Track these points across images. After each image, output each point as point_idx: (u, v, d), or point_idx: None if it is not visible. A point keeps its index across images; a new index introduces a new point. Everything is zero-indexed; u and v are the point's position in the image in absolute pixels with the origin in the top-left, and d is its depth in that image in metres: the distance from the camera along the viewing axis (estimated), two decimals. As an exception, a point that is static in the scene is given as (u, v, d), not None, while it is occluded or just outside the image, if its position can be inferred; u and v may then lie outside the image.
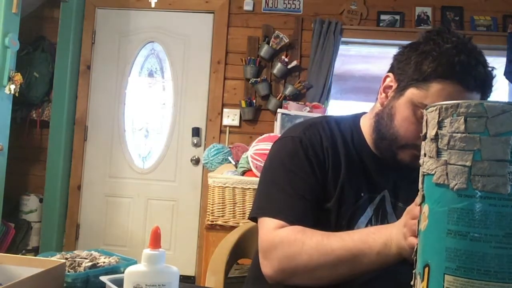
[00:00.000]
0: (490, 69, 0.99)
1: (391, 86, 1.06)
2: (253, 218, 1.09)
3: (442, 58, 0.96)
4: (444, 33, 1.00)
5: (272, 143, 1.17)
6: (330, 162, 1.06)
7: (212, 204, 2.17)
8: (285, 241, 0.96)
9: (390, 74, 1.07)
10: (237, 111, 3.62)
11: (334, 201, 1.04)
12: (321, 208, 1.05)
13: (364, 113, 1.17)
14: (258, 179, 1.16)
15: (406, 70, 1.01)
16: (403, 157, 1.03)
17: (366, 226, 1.05)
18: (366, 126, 1.12)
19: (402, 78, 1.02)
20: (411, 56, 1.01)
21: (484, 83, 0.97)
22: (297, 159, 1.05)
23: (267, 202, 1.06)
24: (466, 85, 0.95)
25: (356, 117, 1.16)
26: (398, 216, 0.86)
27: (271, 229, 1.00)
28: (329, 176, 1.05)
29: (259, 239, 1.03)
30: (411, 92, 0.99)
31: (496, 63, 3.47)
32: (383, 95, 1.07)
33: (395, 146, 1.03)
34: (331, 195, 1.05)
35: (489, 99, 1.01)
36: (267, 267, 0.99)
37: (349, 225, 1.05)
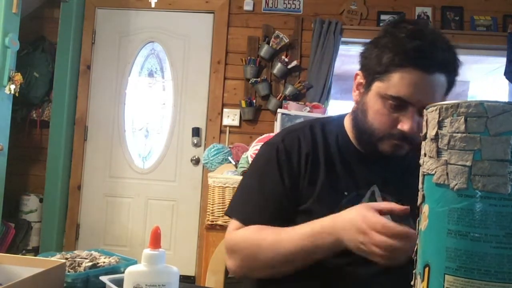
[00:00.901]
0: (448, 48, 1.01)
1: (361, 83, 1.10)
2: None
3: (398, 48, 1.00)
4: (400, 24, 1.05)
5: None
6: (308, 166, 1.10)
7: (212, 204, 2.16)
8: (242, 242, 1.05)
9: (359, 72, 1.11)
10: (237, 111, 3.62)
11: (312, 202, 1.07)
12: (295, 210, 1.09)
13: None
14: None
15: (370, 65, 1.06)
16: (384, 148, 1.06)
17: None
18: (348, 125, 1.16)
19: (367, 74, 1.07)
20: (373, 51, 1.06)
21: (444, 64, 0.99)
22: (269, 166, 1.12)
23: (235, 203, 1.15)
24: (424, 69, 0.98)
25: (341, 117, 1.20)
26: None
27: (231, 230, 1.09)
28: (305, 180, 1.09)
29: (224, 238, 1.12)
30: (377, 86, 1.03)
31: (496, 63, 3.47)
32: (356, 92, 1.12)
33: (374, 139, 1.06)
34: (307, 197, 1.08)
35: (456, 80, 1.04)
36: (231, 264, 1.08)
37: None
